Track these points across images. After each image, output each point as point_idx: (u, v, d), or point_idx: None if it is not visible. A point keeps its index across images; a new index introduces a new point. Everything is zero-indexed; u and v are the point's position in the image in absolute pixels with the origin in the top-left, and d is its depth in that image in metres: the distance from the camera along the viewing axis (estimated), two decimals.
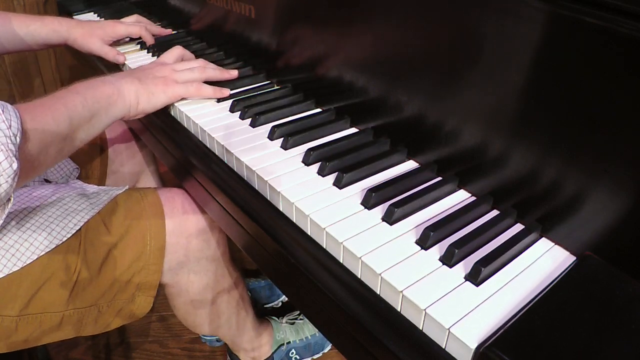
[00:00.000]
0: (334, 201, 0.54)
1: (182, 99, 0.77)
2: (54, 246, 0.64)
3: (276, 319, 1.10)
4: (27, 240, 0.63)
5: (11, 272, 0.61)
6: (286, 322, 1.09)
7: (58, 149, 0.59)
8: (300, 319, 1.12)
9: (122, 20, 1.03)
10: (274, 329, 1.06)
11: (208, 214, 0.76)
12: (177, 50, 0.83)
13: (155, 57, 0.95)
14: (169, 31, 1.07)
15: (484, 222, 0.50)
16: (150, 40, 1.00)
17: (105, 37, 0.97)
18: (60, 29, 0.94)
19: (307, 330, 1.09)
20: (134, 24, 1.01)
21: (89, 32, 0.95)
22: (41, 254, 0.63)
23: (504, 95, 0.49)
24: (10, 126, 0.49)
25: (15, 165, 0.49)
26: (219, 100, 0.77)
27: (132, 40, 1.05)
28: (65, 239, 0.65)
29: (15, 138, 0.49)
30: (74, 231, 0.66)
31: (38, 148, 0.54)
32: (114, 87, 0.68)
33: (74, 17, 1.31)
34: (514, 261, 0.46)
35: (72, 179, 0.87)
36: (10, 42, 0.92)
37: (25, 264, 0.62)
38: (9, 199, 0.52)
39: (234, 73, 0.83)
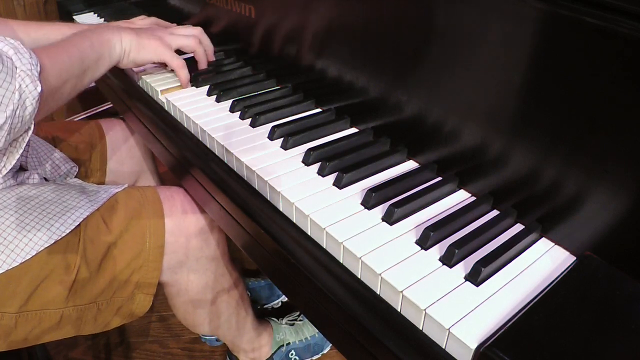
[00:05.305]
0: (334, 201, 0.54)
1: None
2: (52, 242, 0.64)
3: (276, 320, 1.09)
4: (26, 236, 0.63)
5: (10, 267, 0.62)
6: (286, 323, 1.09)
7: (72, 84, 0.66)
8: (300, 320, 1.12)
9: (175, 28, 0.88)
10: (274, 329, 1.06)
11: (208, 214, 0.76)
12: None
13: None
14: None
15: (484, 222, 0.50)
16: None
17: None
18: None
19: (307, 331, 1.09)
20: (186, 28, 0.87)
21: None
22: (40, 250, 0.63)
23: (504, 95, 0.49)
24: (31, 56, 0.56)
25: (39, 88, 0.55)
26: (219, 99, 0.77)
27: None
28: (64, 234, 0.65)
29: (37, 66, 0.56)
30: (73, 227, 0.66)
31: (56, 80, 0.61)
32: (114, 33, 0.75)
33: (74, 17, 1.30)
34: (514, 261, 0.46)
35: (70, 177, 0.87)
36: None
37: (24, 260, 0.62)
38: (29, 128, 0.59)
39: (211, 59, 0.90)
